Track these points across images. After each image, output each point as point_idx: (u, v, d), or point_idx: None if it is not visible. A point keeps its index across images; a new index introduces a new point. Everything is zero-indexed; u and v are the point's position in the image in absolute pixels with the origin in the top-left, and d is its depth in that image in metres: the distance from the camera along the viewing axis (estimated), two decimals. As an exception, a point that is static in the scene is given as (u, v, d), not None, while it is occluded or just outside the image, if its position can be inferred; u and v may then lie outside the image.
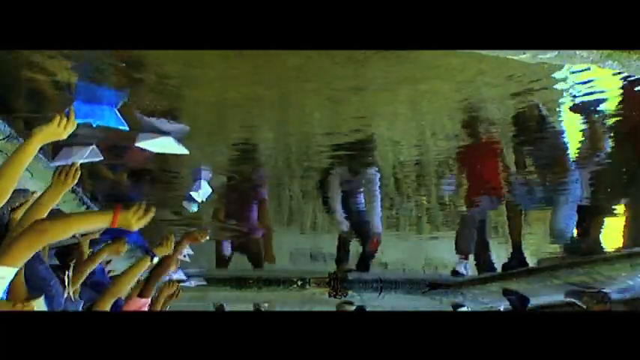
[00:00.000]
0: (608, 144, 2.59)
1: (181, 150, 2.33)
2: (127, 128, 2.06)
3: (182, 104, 2.05)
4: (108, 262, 3.71)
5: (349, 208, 4.52)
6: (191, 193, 3.02)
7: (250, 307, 6.26)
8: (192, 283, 5.07)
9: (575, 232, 3.96)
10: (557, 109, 2.15)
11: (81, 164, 2.03)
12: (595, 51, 1.54)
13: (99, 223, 1.91)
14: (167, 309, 4.86)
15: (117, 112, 2.01)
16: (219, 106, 2.08)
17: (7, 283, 1.83)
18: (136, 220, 1.81)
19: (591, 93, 2.04)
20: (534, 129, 2.36)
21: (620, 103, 2.11)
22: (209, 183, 2.98)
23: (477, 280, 5.46)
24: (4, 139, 2.06)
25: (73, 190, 2.75)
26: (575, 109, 2.15)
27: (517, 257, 4.74)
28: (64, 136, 1.79)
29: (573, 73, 1.84)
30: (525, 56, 1.56)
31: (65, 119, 1.76)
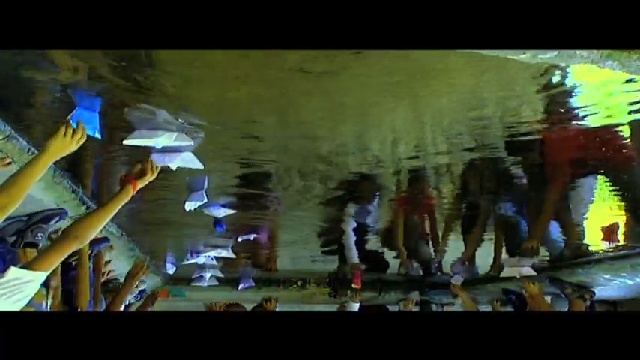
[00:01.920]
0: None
1: (198, 165, 2.33)
2: (100, 138, 2.03)
3: (183, 104, 2.05)
4: (108, 262, 3.73)
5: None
6: (187, 202, 3.05)
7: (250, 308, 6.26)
8: (205, 283, 5.12)
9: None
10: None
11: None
12: (595, 51, 1.54)
13: (122, 201, 2.02)
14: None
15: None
16: (219, 106, 2.08)
17: (37, 286, 1.93)
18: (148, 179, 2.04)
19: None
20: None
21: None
22: (206, 192, 3.02)
23: (477, 280, 5.47)
24: (4, 139, 2.06)
25: (73, 191, 2.75)
26: None
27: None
28: (75, 148, 1.82)
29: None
30: (525, 56, 1.56)
31: (71, 130, 1.79)
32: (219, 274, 5.11)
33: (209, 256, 4.53)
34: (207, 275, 5.00)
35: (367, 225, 4.07)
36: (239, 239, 4.17)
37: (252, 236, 4.16)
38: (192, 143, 2.23)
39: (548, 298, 5.19)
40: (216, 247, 4.35)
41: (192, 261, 4.63)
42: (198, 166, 2.34)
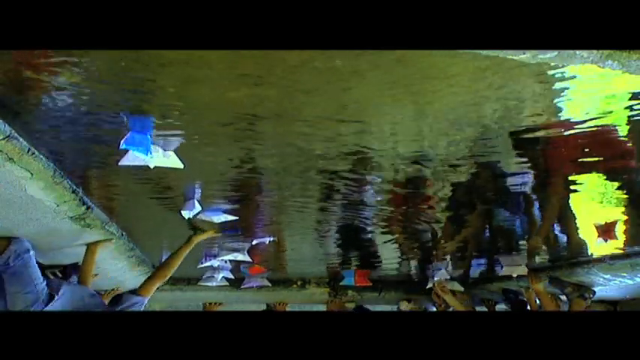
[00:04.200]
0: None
1: (179, 164, 2.34)
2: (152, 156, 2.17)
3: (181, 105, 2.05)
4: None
5: None
6: (182, 211, 3.07)
7: (249, 308, 6.27)
8: (215, 283, 5.13)
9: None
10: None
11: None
12: (595, 51, 1.54)
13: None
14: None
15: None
16: (219, 106, 2.08)
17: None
18: None
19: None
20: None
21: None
22: (200, 201, 3.03)
23: (477, 280, 5.47)
24: (4, 139, 2.06)
25: (73, 191, 2.75)
26: None
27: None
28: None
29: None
30: (525, 56, 1.56)
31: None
32: (230, 276, 5.13)
33: (223, 260, 4.55)
34: (219, 276, 5.02)
35: (367, 224, 4.06)
36: (254, 242, 4.17)
37: (267, 239, 4.16)
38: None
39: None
40: (232, 250, 4.37)
41: (208, 264, 4.65)
42: (179, 165, 2.34)
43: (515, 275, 4.59)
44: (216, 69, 1.78)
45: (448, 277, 5.02)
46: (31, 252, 3.03)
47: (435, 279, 5.05)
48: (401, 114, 2.15)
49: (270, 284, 5.62)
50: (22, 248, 2.97)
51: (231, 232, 3.89)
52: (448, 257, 4.79)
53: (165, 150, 2.29)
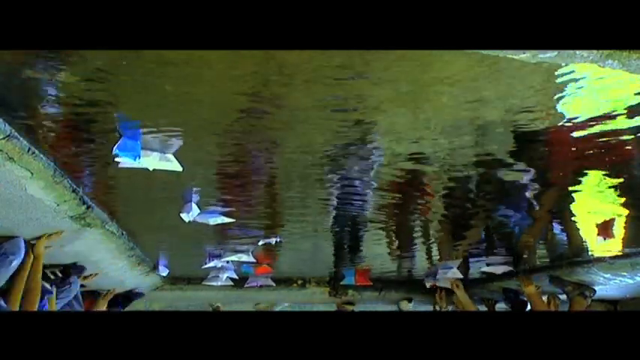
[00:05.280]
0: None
1: (177, 167, 2.35)
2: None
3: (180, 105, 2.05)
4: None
5: None
6: (181, 214, 3.08)
7: (251, 308, 6.28)
8: (219, 283, 5.14)
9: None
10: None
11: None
12: (595, 51, 1.54)
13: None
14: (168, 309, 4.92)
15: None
16: (219, 106, 2.08)
17: None
18: None
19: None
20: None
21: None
22: (198, 204, 3.03)
23: (477, 280, 5.47)
24: (4, 138, 2.06)
25: (73, 190, 2.75)
26: None
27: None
28: None
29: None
30: (525, 56, 1.56)
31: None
32: (234, 276, 5.13)
33: (227, 260, 4.55)
34: (224, 276, 5.03)
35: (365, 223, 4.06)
36: (260, 243, 4.17)
37: (274, 240, 4.15)
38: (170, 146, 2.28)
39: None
40: (236, 251, 4.36)
41: (211, 264, 4.65)
42: (178, 168, 2.36)
43: (499, 273, 4.61)
44: (216, 69, 1.78)
45: (461, 276, 5.01)
46: (18, 260, 2.97)
47: (447, 276, 5.03)
48: (401, 114, 2.15)
49: (273, 284, 5.62)
50: (12, 248, 2.95)
51: (251, 232, 3.89)
52: (460, 256, 4.79)
53: (164, 153, 2.30)
